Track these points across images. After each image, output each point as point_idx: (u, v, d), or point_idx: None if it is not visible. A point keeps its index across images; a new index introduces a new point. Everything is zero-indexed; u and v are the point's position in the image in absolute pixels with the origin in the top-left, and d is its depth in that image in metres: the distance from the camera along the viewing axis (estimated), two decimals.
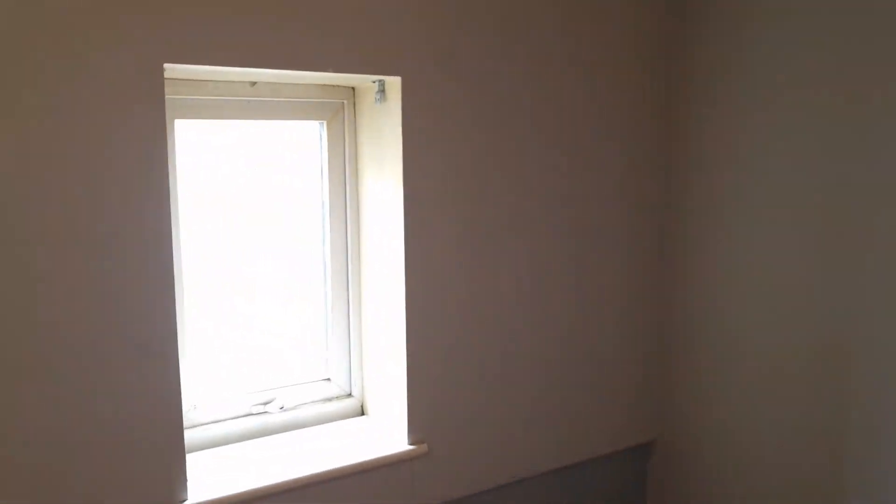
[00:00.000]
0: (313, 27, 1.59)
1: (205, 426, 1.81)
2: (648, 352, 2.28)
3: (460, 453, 1.93)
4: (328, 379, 2.00)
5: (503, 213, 1.92)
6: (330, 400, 1.99)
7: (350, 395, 2.02)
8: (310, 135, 1.94)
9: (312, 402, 1.96)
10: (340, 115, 1.92)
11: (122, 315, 1.45)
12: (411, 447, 1.83)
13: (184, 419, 1.75)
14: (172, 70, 1.57)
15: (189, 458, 1.73)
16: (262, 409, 1.89)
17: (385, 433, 1.90)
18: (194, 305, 1.82)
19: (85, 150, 1.38)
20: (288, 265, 1.97)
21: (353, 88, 1.91)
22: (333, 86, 1.88)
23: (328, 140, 1.91)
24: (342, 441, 1.86)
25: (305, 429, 1.92)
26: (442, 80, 1.77)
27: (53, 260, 1.38)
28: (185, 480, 1.56)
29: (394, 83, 1.74)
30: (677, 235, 2.22)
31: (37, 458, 1.40)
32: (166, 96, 1.64)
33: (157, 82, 1.44)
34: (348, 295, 1.99)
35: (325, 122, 1.91)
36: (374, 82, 1.80)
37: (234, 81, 1.74)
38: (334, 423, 1.96)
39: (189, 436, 1.77)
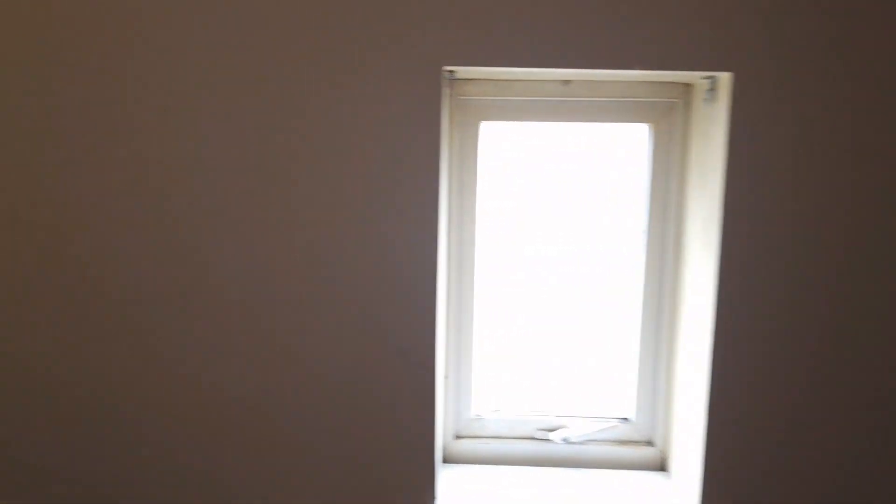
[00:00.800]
0: (607, 15, 1.34)
1: (485, 440, 1.75)
2: None
3: None
4: (626, 419, 1.74)
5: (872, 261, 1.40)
6: (624, 444, 1.74)
7: (650, 443, 1.74)
8: (630, 139, 1.68)
9: (603, 441, 1.73)
10: (670, 117, 1.61)
11: (385, 318, 1.46)
12: None
13: (466, 428, 1.74)
14: (471, 71, 1.50)
15: (457, 469, 1.70)
16: (545, 435, 1.74)
17: (678, 502, 1.58)
18: (490, 314, 1.76)
19: (355, 152, 1.40)
20: (595, 283, 1.76)
21: (688, 85, 1.58)
22: (663, 82, 1.58)
23: (653, 146, 1.63)
24: (621, 497, 1.60)
25: (588, 470, 1.71)
26: (790, 80, 1.34)
27: (318, 258, 1.44)
28: (434, 498, 1.52)
29: (725, 80, 1.38)
30: None
31: (284, 447, 1.51)
32: (472, 98, 1.60)
33: (434, 86, 1.37)
34: (662, 326, 1.69)
35: (651, 126, 1.63)
36: (703, 79, 1.46)
37: (544, 81, 1.59)
38: (624, 471, 1.71)
39: (466, 446, 1.73)
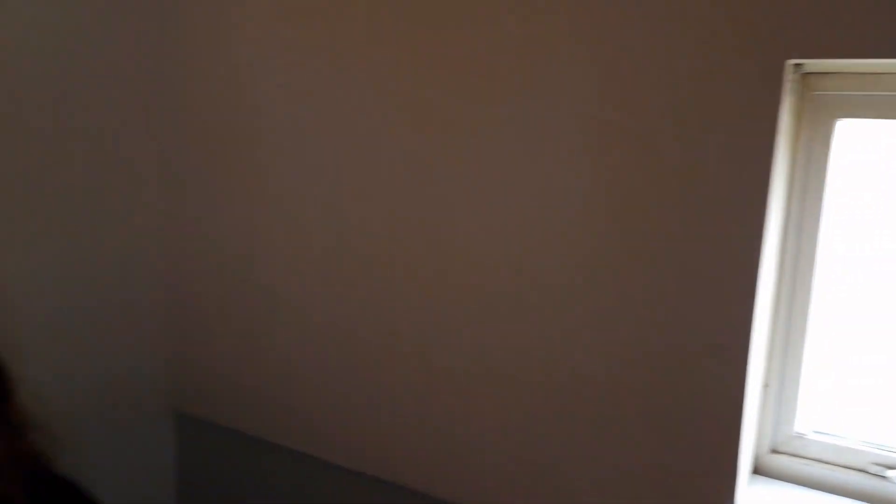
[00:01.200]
0: None
1: (805, 461, 1.62)
2: None
3: None
4: None
5: None
6: None
7: None
8: None
9: None
10: None
11: (697, 316, 1.45)
12: None
13: (784, 444, 1.65)
14: (825, 64, 1.39)
15: (768, 484, 1.62)
16: (880, 470, 1.55)
17: None
18: (833, 325, 1.61)
19: (678, 147, 1.41)
20: None
21: None
22: None
23: None
24: None
25: None
26: None
27: (628, 248, 1.48)
28: None
29: None
30: None
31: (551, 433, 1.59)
32: (826, 93, 1.49)
33: (774, 83, 1.31)
34: None
35: None
36: None
37: None
38: None
39: (782, 463, 1.64)
